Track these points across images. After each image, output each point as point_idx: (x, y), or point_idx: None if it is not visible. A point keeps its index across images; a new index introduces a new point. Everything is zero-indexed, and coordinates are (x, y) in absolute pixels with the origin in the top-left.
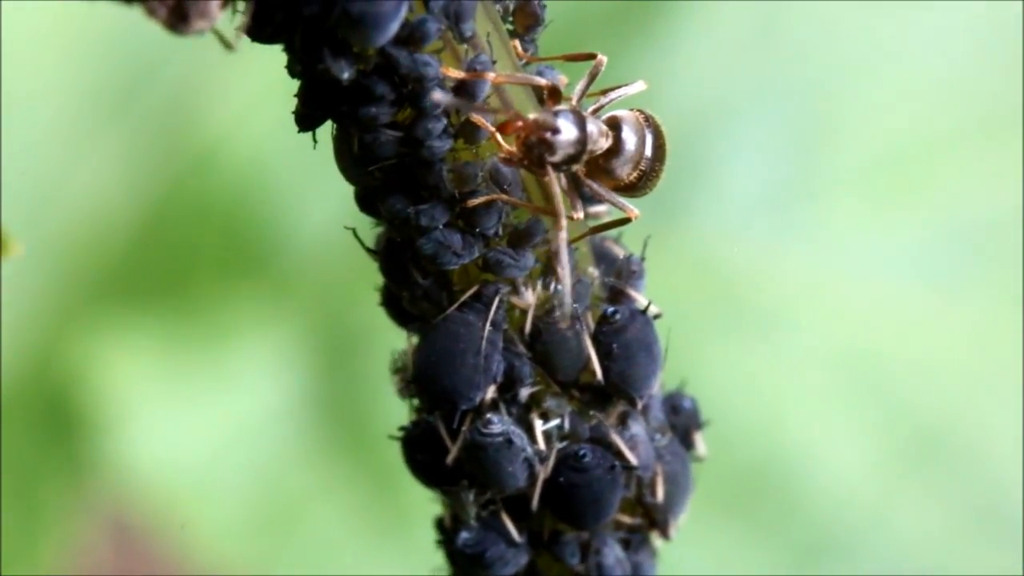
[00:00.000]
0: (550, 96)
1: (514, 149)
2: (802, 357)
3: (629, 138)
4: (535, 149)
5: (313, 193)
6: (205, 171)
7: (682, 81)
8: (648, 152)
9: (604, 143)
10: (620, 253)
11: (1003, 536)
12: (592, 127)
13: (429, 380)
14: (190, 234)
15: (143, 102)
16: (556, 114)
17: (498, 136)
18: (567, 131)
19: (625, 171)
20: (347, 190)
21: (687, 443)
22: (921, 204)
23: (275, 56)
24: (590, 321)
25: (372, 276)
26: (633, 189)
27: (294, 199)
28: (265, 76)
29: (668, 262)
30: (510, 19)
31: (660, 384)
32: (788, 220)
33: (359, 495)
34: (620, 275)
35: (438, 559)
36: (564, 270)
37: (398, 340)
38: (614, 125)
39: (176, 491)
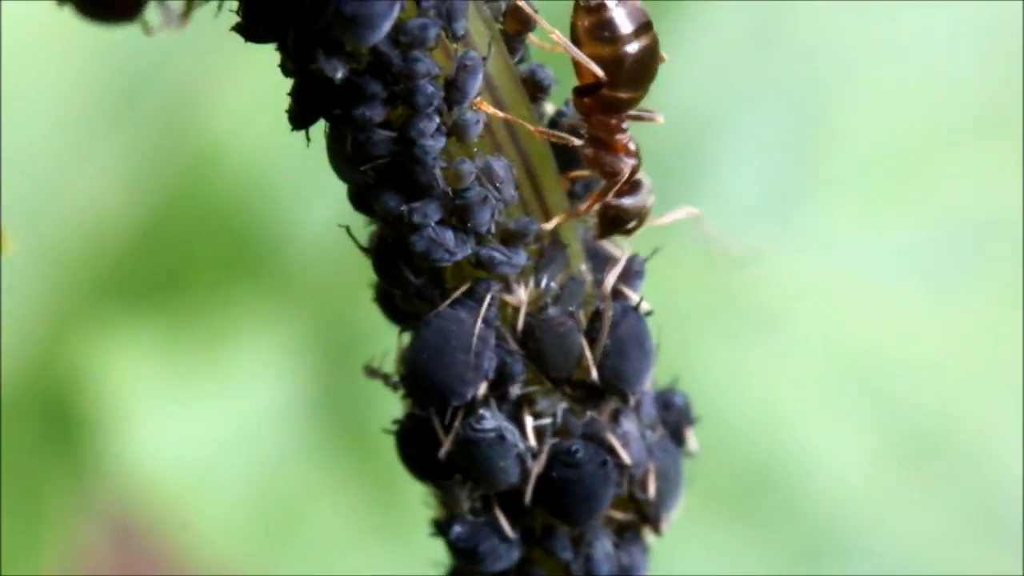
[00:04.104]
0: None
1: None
2: (801, 357)
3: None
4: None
5: (313, 195)
6: (205, 173)
7: (681, 81)
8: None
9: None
10: (613, 251)
11: (1003, 536)
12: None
13: (420, 376)
14: (190, 236)
15: (144, 104)
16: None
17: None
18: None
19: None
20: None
21: (678, 439)
22: (920, 204)
23: (275, 58)
24: (582, 318)
25: (372, 277)
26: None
27: (294, 201)
28: (265, 78)
29: (666, 262)
30: (501, 19)
31: (652, 380)
32: (787, 220)
33: (360, 495)
34: (625, 275)
35: (439, 558)
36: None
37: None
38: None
39: (177, 491)
